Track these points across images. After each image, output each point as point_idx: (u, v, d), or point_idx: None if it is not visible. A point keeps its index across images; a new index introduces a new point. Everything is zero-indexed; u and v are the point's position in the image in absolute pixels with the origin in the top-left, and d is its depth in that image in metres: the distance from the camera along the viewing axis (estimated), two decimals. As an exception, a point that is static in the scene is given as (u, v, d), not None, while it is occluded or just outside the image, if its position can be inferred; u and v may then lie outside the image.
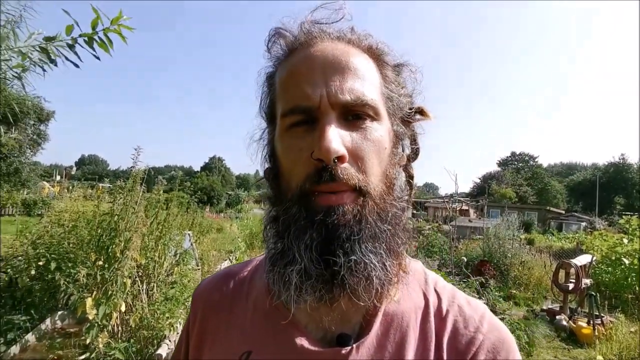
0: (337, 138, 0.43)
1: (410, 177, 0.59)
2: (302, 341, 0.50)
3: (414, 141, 0.59)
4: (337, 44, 0.50)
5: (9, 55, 1.76)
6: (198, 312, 0.61)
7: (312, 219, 0.44)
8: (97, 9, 1.58)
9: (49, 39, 1.67)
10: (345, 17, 0.52)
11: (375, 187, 0.46)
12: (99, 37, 1.64)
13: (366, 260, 0.43)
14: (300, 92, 0.47)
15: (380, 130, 0.48)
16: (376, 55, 0.53)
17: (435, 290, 0.55)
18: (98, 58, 1.69)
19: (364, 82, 0.47)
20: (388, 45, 0.55)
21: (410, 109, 0.56)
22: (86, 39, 1.64)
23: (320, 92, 0.45)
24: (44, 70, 1.65)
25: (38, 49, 1.67)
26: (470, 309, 0.53)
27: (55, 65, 1.63)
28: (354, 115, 0.46)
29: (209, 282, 0.64)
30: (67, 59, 1.66)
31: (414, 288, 0.54)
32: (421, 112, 0.57)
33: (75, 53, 1.63)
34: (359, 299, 0.44)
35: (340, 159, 0.44)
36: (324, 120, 0.45)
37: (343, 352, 0.48)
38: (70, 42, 1.65)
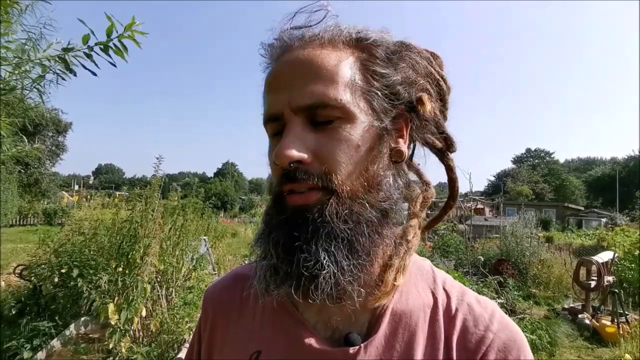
0: (294, 143, 0.45)
1: (450, 170, 0.58)
2: (310, 340, 0.50)
3: (440, 130, 0.56)
4: (306, 49, 0.49)
5: (30, 66, 1.82)
6: (208, 314, 0.62)
7: (280, 218, 0.47)
8: (111, 17, 1.62)
9: (67, 50, 1.72)
10: (327, 16, 0.51)
11: (344, 185, 0.46)
12: (113, 44, 1.69)
13: (317, 259, 0.43)
14: (269, 101, 0.49)
15: (351, 130, 0.46)
16: (360, 47, 0.51)
17: (444, 289, 0.54)
18: (114, 65, 1.74)
19: (328, 83, 0.46)
20: (384, 33, 0.52)
21: (412, 98, 0.52)
22: (102, 46, 1.69)
23: (283, 100, 0.47)
24: (64, 79, 1.71)
25: (57, 59, 1.73)
26: (480, 307, 0.52)
27: (75, 75, 1.69)
28: (321, 117, 0.46)
29: (218, 284, 0.66)
30: (85, 67, 1.71)
31: (422, 287, 0.54)
32: (419, 100, 0.52)
33: (94, 61, 1.68)
34: (312, 298, 0.44)
35: (300, 162, 0.45)
36: (287, 126, 0.47)
37: (351, 351, 0.48)
38: (87, 51, 1.70)
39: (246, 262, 7.85)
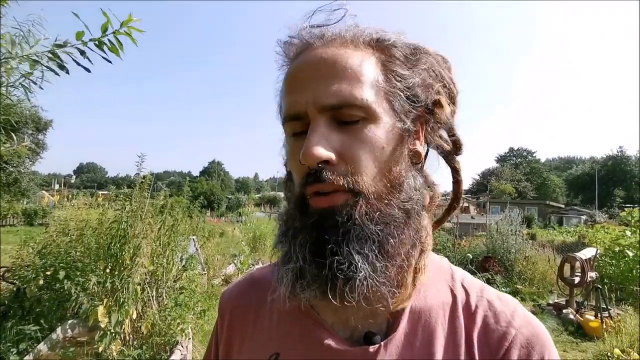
0: (321, 142, 0.44)
1: (456, 172, 0.58)
2: (329, 341, 0.49)
3: (451, 134, 0.57)
4: (329, 48, 0.49)
5: (17, 62, 1.76)
6: (225, 319, 0.62)
7: (306, 221, 0.46)
8: (107, 12, 1.58)
9: (59, 46, 1.66)
10: (347, 15, 0.51)
11: (370, 187, 0.45)
12: (108, 40, 1.64)
13: (350, 261, 0.43)
14: (291, 100, 0.48)
15: (375, 130, 0.46)
16: (380, 48, 0.50)
17: (463, 286, 0.54)
18: (109, 61, 1.69)
19: (354, 83, 0.46)
20: (401, 35, 0.52)
21: (430, 100, 0.52)
22: (96, 42, 1.64)
23: (307, 99, 0.46)
24: (58, 75, 1.64)
25: (48, 55, 1.67)
26: (500, 303, 0.51)
27: (67, 72, 1.63)
28: (346, 117, 0.46)
29: (234, 288, 0.65)
30: (78, 64, 1.66)
31: (441, 284, 0.54)
32: (436, 103, 0.52)
33: (87, 58, 1.63)
34: (347, 300, 0.43)
35: (327, 162, 0.45)
36: (312, 125, 0.46)
37: (371, 350, 0.47)
38: (80, 47, 1.65)
39: (235, 261, 7.78)
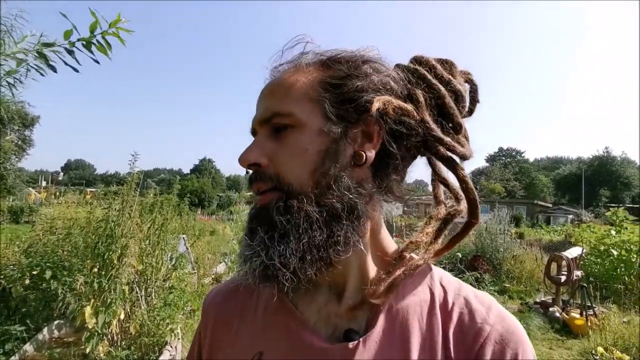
0: (255, 150, 0.53)
1: (461, 181, 0.56)
2: (311, 339, 0.51)
3: (435, 137, 0.55)
4: (277, 76, 0.57)
5: (3, 59, 1.72)
6: (209, 322, 0.63)
7: (249, 214, 0.54)
8: (95, 12, 1.55)
9: (46, 45, 1.63)
10: (307, 44, 0.58)
11: (296, 186, 0.50)
12: (97, 40, 1.62)
13: (271, 253, 0.48)
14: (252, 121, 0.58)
15: (299, 135, 0.51)
16: (319, 66, 0.55)
17: (441, 284, 0.55)
18: (97, 62, 1.67)
19: (282, 97, 0.53)
20: (360, 51, 0.56)
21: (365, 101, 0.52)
22: (84, 43, 1.62)
23: (254, 117, 0.56)
24: (43, 75, 1.62)
25: (35, 54, 1.64)
26: (477, 301, 0.53)
27: (55, 71, 1.60)
28: (278, 125, 0.53)
29: (219, 291, 0.67)
30: (66, 63, 1.63)
31: (420, 282, 0.55)
32: (367, 103, 0.52)
33: (75, 58, 1.60)
34: (272, 287, 0.50)
35: (258, 165, 0.52)
36: (255, 137, 0.56)
37: (350, 346, 0.49)
38: (68, 46, 1.62)
39: (226, 260, 7.74)
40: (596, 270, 7.22)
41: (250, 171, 0.54)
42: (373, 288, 0.51)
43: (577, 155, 74.12)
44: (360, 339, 0.50)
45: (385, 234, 0.59)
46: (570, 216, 29.34)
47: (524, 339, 0.50)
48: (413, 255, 0.55)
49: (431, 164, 0.59)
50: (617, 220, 7.98)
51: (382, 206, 0.58)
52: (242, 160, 0.53)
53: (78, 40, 1.58)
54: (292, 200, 0.50)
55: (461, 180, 0.56)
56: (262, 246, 0.49)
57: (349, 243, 0.50)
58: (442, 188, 0.58)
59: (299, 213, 0.49)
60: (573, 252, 6.78)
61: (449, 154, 0.56)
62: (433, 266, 0.59)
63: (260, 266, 0.49)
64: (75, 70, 1.57)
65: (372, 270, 0.55)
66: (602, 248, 7.49)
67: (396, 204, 0.61)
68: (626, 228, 7.60)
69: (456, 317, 0.51)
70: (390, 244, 0.59)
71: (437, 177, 0.58)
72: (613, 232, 7.71)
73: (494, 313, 0.51)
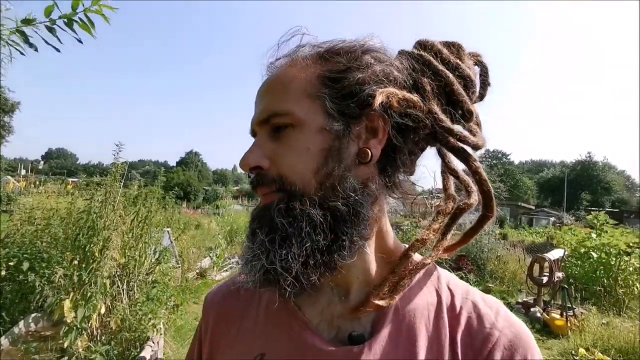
0: (255, 152, 0.50)
1: (475, 173, 0.53)
2: (314, 341, 0.50)
3: (445, 128, 0.52)
4: (273, 73, 0.54)
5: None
6: (210, 321, 0.61)
7: (251, 214, 0.52)
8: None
9: (26, 22, 1.55)
10: (303, 36, 0.54)
11: (299, 187, 0.48)
12: (79, 18, 1.54)
13: (272, 257, 0.46)
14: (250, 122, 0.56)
15: (299, 134, 0.49)
16: (317, 60, 0.52)
17: (448, 287, 0.54)
18: (80, 41, 1.58)
19: (280, 96, 0.50)
20: (359, 40, 0.52)
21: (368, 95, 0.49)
22: (66, 20, 1.53)
23: (253, 118, 0.54)
24: (23, 54, 1.53)
25: (16, 32, 1.55)
26: (484, 305, 0.52)
27: (36, 50, 1.52)
28: (278, 125, 0.50)
29: (219, 290, 0.65)
30: (47, 43, 1.55)
31: (426, 285, 0.54)
32: (369, 96, 0.49)
33: (56, 36, 1.52)
34: (275, 291, 0.49)
35: (260, 167, 0.50)
36: (255, 138, 0.53)
37: (355, 350, 0.48)
38: (49, 24, 1.54)
39: (211, 255, 7.65)
40: (576, 272, 7.39)
41: (253, 175, 0.52)
42: (377, 289, 0.49)
43: (561, 159, 76.09)
44: (366, 343, 0.48)
45: (390, 232, 0.57)
46: (552, 218, 30.00)
47: (532, 345, 0.49)
48: (418, 255, 0.53)
49: (441, 155, 0.57)
50: (598, 224, 8.17)
51: (389, 203, 0.55)
52: (243, 164, 0.51)
53: (59, 17, 1.49)
54: (295, 202, 0.47)
55: (474, 172, 0.54)
56: (262, 249, 0.47)
57: (355, 247, 0.48)
58: (452, 180, 0.56)
59: (302, 216, 0.47)
60: (555, 254, 6.91)
61: (460, 144, 0.54)
62: (440, 268, 0.58)
63: (261, 270, 0.47)
64: (57, 50, 1.49)
65: (377, 270, 0.53)
66: (582, 250, 7.67)
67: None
68: (606, 231, 7.78)
69: (464, 321, 0.50)
70: (396, 242, 0.57)
71: (447, 169, 0.56)
72: (594, 235, 7.90)
73: (502, 317, 0.50)
